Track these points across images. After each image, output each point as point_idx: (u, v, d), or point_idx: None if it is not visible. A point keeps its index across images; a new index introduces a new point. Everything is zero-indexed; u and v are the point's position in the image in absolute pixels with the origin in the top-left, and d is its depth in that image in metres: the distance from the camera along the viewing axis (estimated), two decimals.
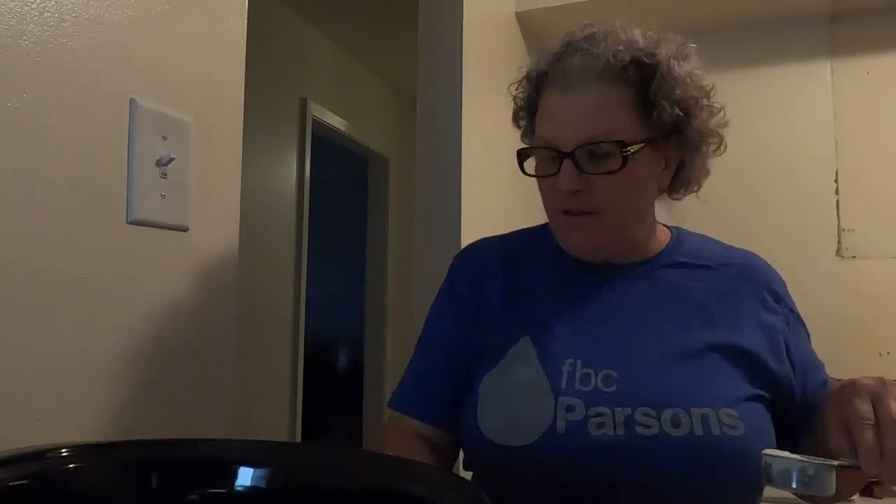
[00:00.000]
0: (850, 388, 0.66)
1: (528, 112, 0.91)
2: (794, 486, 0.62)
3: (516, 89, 0.92)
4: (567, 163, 0.80)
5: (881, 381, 0.65)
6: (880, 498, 1.46)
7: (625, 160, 0.79)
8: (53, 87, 0.69)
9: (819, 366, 0.90)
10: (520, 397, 0.80)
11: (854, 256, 2.05)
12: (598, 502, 0.76)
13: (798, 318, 0.92)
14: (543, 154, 0.84)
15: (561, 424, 0.76)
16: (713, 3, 2.07)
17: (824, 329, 2.04)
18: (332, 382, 4.68)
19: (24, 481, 0.53)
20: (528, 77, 0.89)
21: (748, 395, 0.80)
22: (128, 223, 0.78)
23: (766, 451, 0.65)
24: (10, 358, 0.65)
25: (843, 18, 2.12)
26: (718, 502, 0.77)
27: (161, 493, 0.60)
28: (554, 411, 0.77)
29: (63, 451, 0.58)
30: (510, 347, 0.84)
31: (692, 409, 0.76)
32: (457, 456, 0.91)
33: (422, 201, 1.81)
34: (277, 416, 3.06)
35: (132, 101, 0.78)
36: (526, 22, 2.22)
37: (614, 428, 0.75)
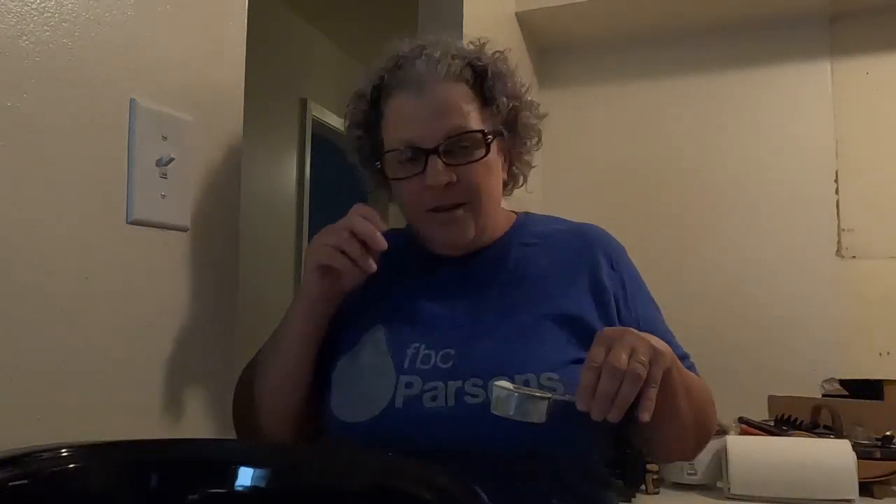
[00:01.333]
0: (599, 333, 0.74)
1: (364, 128, 0.94)
2: (510, 412, 0.71)
3: (347, 114, 0.96)
4: (433, 159, 0.84)
5: (622, 331, 0.73)
6: (879, 498, 1.46)
7: (488, 147, 0.87)
8: (53, 87, 0.69)
9: (663, 332, 0.91)
10: (365, 377, 0.85)
11: (854, 256, 2.05)
12: None
13: (637, 283, 0.95)
14: (398, 156, 0.87)
15: (399, 400, 0.81)
16: (713, 3, 2.06)
17: (824, 329, 2.05)
18: None
19: (24, 481, 0.53)
20: (360, 95, 0.93)
21: (573, 358, 0.82)
22: (128, 223, 0.78)
23: (496, 381, 0.74)
24: (11, 358, 0.65)
25: (843, 18, 2.11)
26: (546, 464, 0.80)
27: (161, 493, 0.60)
28: (395, 388, 0.82)
29: (63, 451, 0.58)
30: (363, 334, 0.89)
31: (516, 376, 0.79)
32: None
33: None
34: None
35: (132, 101, 0.78)
36: (526, 22, 2.22)
37: (446, 400, 0.80)
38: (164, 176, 0.81)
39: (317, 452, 0.69)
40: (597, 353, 0.71)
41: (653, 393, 0.70)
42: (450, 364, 0.83)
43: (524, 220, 1.00)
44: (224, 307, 0.92)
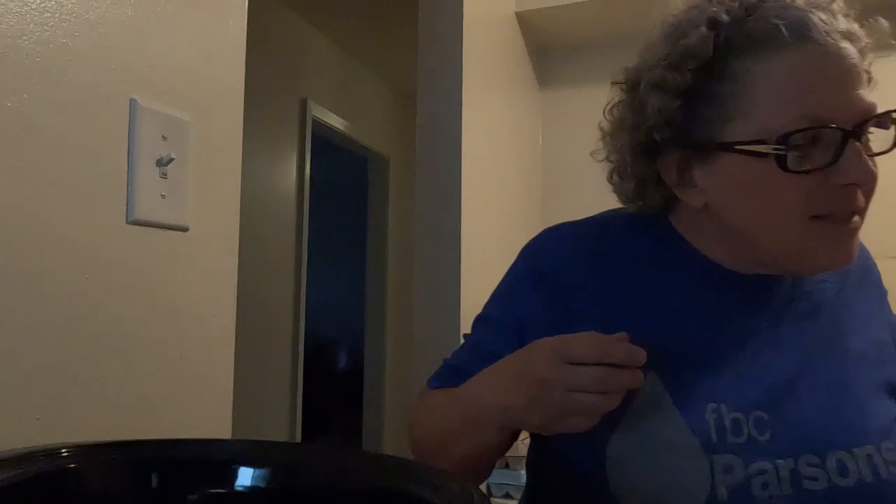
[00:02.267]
0: None
1: (684, 97, 0.66)
2: None
3: (650, 79, 0.69)
4: (853, 145, 0.61)
5: None
6: None
7: None
8: (53, 87, 0.69)
9: None
10: (665, 461, 0.64)
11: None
12: None
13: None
14: (799, 139, 0.61)
15: (721, 491, 0.62)
16: None
17: None
18: (332, 382, 4.69)
19: (25, 481, 0.53)
20: (685, 53, 0.66)
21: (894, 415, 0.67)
22: (128, 223, 0.78)
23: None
24: (11, 358, 0.65)
25: None
26: None
27: (161, 493, 0.60)
28: (711, 475, 0.62)
29: (63, 451, 0.58)
30: (637, 388, 0.65)
31: (855, 450, 0.63)
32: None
33: (422, 201, 1.81)
34: (277, 416, 3.06)
35: (132, 101, 0.78)
36: (526, 22, 2.22)
37: (780, 486, 0.62)
38: (164, 176, 0.81)
39: (317, 452, 0.69)
40: None
41: None
42: (767, 435, 0.64)
43: None
44: (224, 307, 0.92)
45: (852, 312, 0.73)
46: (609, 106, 0.77)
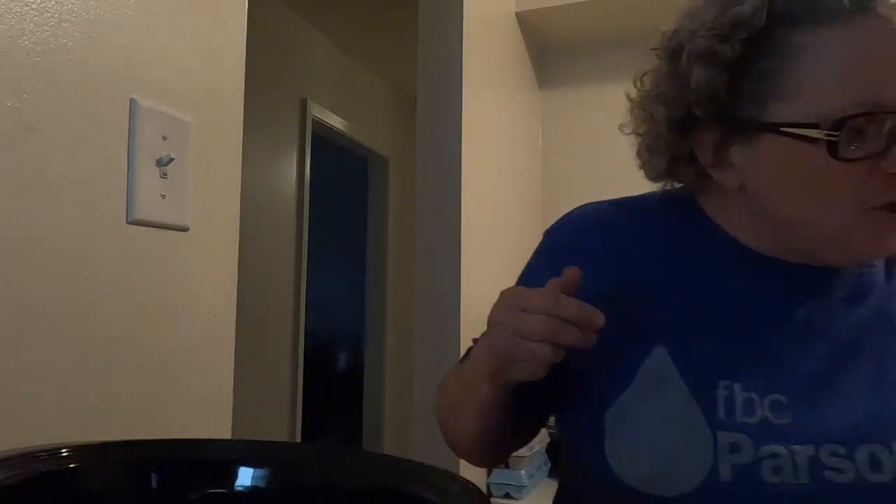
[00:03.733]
0: None
1: (729, 69, 0.62)
2: None
3: (693, 49, 0.64)
4: None
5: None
6: None
7: None
8: (53, 87, 0.69)
9: None
10: (666, 433, 0.61)
11: None
12: None
13: None
14: (859, 123, 0.57)
15: (725, 469, 0.59)
16: None
17: None
18: (332, 382, 4.69)
19: (25, 481, 0.53)
20: (735, 21, 0.61)
21: None
22: (128, 223, 0.78)
23: None
24: (11, 358, 0.65)
25: None
26: None
27: (161, 493, 0.60)
28: (714, 452, 0.59)
29: (63, 451, 0.58)
30: (641, 362, 0.65)
31: (894, 444, 0.59)
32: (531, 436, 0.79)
33: (422, 201, 1.81)
34: (277, 416, 3.06)
35: (132, 101, 0.78)
36: (526, 22, 2.22)
37: (795, 473, 0.58)
38: (164, 176, 0.81)
39: (317, 452, 0.69)
40: None
41: None
42: (787, 419, 0.60)
43: None
44: (224, 307, 0.92)
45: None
46: (640, 74, 0.72)
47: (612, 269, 0.69)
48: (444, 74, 1.79)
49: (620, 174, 2.27)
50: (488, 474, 1.75)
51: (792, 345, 0.64)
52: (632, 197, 0.76)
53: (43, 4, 0.69)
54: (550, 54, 2.42)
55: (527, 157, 2.28)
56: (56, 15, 0.70)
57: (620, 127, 0.74)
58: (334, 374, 4.89)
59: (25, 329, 0.67)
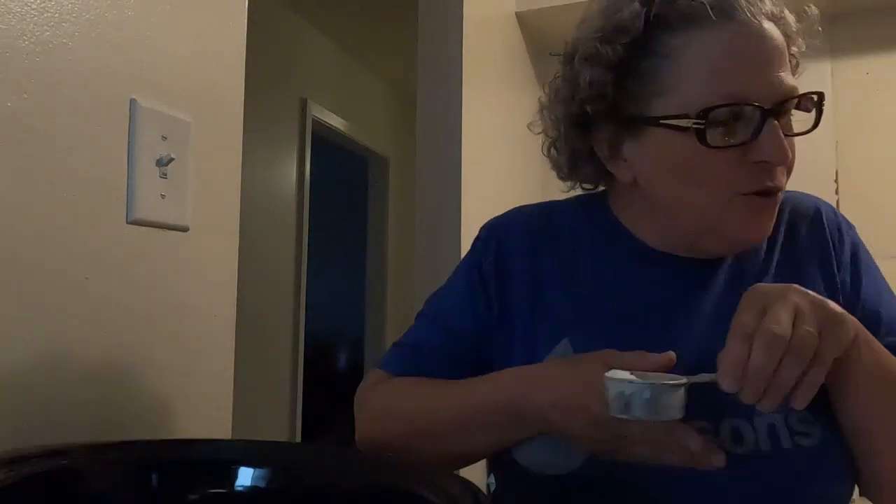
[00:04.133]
0: (748, 294, 0.57)
1: (615, 71, 0.68)
2: (634, 412, 0.53)
3: (584, 53, 0.70)
4: (773, 124, 0.63)
5: (783, 288, 0.57)
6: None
7: (818, 120, 0.67)
8: (53, 87, 0.69)
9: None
10: None
11: None
12: None
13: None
14: (722, 115, 0.63)
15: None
16: None
17: None
18: (332, 382, 4.68)
19: (25, 481, 0.53)
20: (617, 27, 0.67)
21: None
22: (128, 223, 0.78)
23: (607, 373, 0.56)
24: (10, 358, 0.65)
25: (843, 18, 2.11)
26: None
27: (161, 493, 0.60)
28: None
29: (63, 451, 0.58)
30: (547, 350, 0.70)
31: (755, 418, 0.63)
32: None
33: (422, 201, 1.81)
34: (277, 416, 3.06)
35: (132, 101, 0.78)
36: (526, 22, 2.22)
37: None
38: (164, 176, 0.81)
39: (317, 452, 0.69)
40: (748, 316, 0.54)
41: (818, 375, 0.53)
42: None
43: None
44: (224, 307, 0.92)
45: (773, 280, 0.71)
46: (549, 80, 0.79)
47: (532, 267, 0.74)
48: (444, 74, 1.79)
49: None
50: (488, 474, 1.75)
51: (681, 333, 0.68)
52: (556, 201, 0.83)
53: (43, 4, 0.69)
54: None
55: (526, 157, 2.28)
56: (56, 15, 0.70)
57: (529, 126, 0.81)
58: (334, 374, 4.89)
59: (24, 328, 0.67)
